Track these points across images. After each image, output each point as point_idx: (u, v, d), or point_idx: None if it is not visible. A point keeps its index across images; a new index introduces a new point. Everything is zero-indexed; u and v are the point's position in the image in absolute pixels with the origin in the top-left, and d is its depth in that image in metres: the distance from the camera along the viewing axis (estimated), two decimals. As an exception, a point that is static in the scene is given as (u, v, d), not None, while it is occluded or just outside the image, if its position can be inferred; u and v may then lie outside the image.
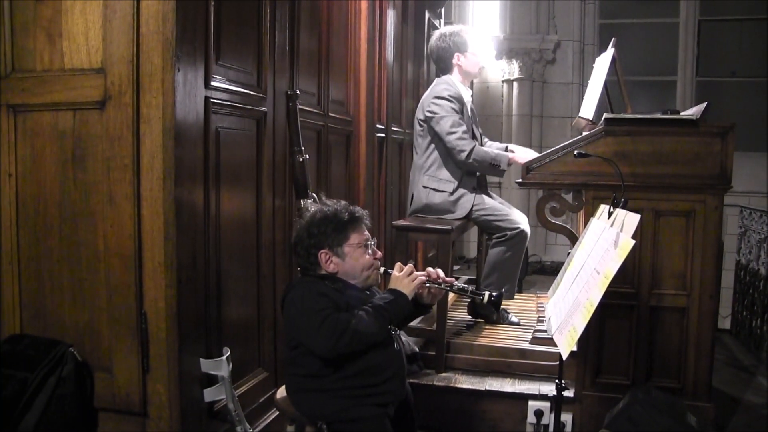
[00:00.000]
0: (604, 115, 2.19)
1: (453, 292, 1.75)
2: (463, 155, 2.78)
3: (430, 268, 1.77)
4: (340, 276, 1.73)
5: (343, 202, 1.78)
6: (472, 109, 2.87)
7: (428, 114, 2.76)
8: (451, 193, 2.88)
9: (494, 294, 1.75)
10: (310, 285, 1.68)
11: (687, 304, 2.14)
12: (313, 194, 2.21)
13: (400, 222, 2.82)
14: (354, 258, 1.73)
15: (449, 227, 2.65)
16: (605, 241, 1.58)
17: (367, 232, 1.76)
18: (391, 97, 3.30)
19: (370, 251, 1.75)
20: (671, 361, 2.16)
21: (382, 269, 1.77)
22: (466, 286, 1.75)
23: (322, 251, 1.72)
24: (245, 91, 1.95)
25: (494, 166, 2.78)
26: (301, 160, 2.20)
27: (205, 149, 1.81)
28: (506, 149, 2.87)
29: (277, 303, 2.17)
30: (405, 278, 1.71)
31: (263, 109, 2.07)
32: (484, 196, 2.94)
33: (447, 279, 1.77)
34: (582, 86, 5.11)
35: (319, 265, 1.73)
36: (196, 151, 1.75)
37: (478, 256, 3.63)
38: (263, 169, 2.15)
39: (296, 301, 1.65)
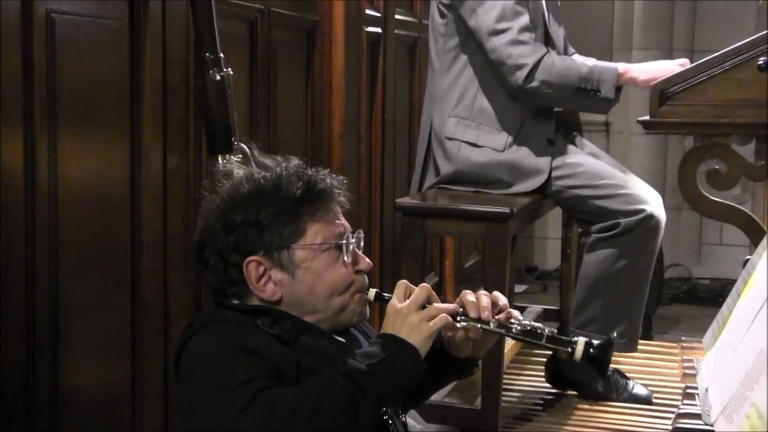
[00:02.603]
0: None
1: (513, 337, 1.76)
2: (522, 75, 2.84)
3: (468, 294, 1.77)
4: (288, 307, 1.76)
5: (295, 161, 1.82)
6: None
7: None
8: (507, 148, 2.95)
9: (596, 342, 1.74)
10: (226, 329, 1.70)
11: None
12: (242, 146, 2.27)
13: (409, 200, 2.89)
14: (315, 272, 1.76)
15: (506, 210, 2.72)
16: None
17: (342, 220, 1.80)
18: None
19: (347, 257, 1.78)
20: None
21: (372, 293, 1.80)
22: (539, 326, 1.75)
23: (251, 259, 1.75)
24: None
25: (588, 93, 2.85)
26: (217, 78, 2.25)
27: (25, 55, 1.86)
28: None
29: (169, 357, 2.22)
30: (414, 313, 1.70)
31: (142, -20, 2.21)
32: (574, 152, 2.99)
33: (503, 314, 1.76)
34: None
35: (247, 285, 1.76)
36: (6, 58, 1.81)
37: (563, 267, 3.71)
38: (143, 97, 2.21)
39: (197, 361, 1.68)
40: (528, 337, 1.73)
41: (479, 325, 1.72)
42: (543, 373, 3.12)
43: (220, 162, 2.24)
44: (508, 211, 2.71)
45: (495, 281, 2.70)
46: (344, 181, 1.81)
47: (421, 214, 2.80)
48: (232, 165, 2.17)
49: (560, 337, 1.73)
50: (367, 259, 1.79)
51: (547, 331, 1.72)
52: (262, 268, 1.73)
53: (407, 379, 1.65)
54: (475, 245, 4.81)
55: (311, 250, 1.74)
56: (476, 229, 2.78)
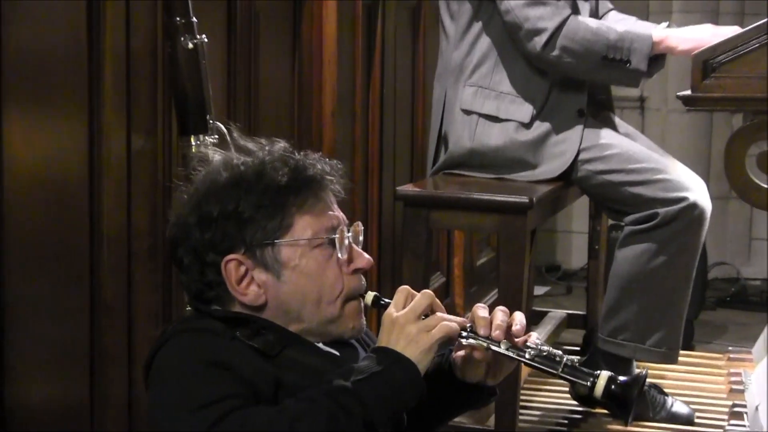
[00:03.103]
0: None
1: (526, 363, 1.76)
2: (540, 41, 2.86)
3: (480, 309, 1.77)
4: (273, 315, 1.78)
5: (280, 144, 1.84)
6: None
7: None
8: (527, 125, 2.96)
9: (622, 379, 1.72)
10: (198, 339, 1.72)
11: None
12: (218, 125, 2.27)
13: (411, 188, 2.90)
14: (303, 272, 1.77)
15: (524, 199, 2.73)
16: None
17: (336, 211, 1.81)
18: None
19: (341, 254, 1.78)
20: None
21: (369, 296, 1.80)
22: (558, 353, 1.75)
23: (230, 258, 1.76)
24: None
25: (616, 64, 2.86)
26: (189, 47, 2.24)
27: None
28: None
29: (134, 370, 2.23)
30: (412, 323, 1.71)
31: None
32: (604, 132, 3.01)
33: (521, 338, 1.75)
34: None
35: (226, 288, 1.77)
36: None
37: (590, 266, 3.72)
38: (103, 68, 2.20)
39: (164, 375, 1.71)
40: (542, 365, 1.73)
41: (486, 344, 1.73)
42: (567, 388, 3.11)
43: (193, 144, 2.24)
44: (527, 200, 2.72)
45: (511, 282, 2.72)
46: (338, 166, 1.82)
47: (425, 204, 2.80)
48: (207, 147, 2.18)
49: (580, 368, 1.72)
50: (366, 256, 1.79)
51: (566, 359, 1.72)
52: (243, 269, 1.74)
53: (401, 398, 1.66)
54: (488, 241, 4.81)
55: (299, 246, 1.75)
56: (490, 221, 2.79)
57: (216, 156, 1.84)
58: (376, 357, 1.67)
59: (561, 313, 3.91)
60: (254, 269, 1.74)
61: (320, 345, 1.78)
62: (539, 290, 5.13)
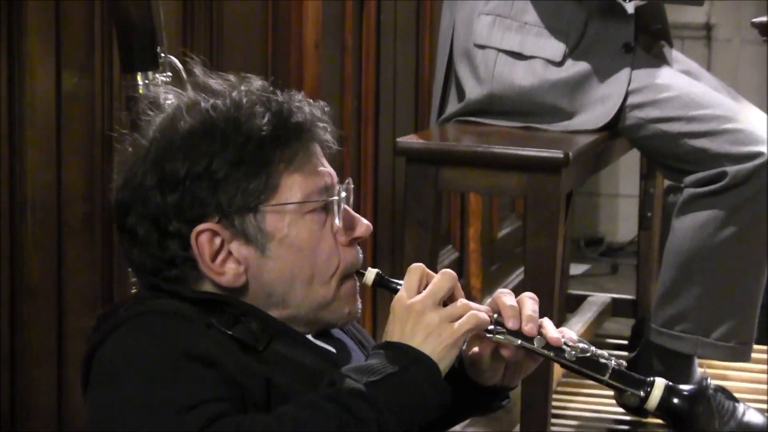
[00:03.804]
0: None
1: (565, 365, 1.77)
2: None
3: (506, 296, 1.78)
4: (253, 297, 1.78)
5: (258, 83, 1.82)
6: None
7: None
8: (559, 63, 2.93)
9: (682, 389, 1.74)
10: (164, 325, 1.70)
11: None
12: (172, 59, 2.27)
13: (416, 139, 2.89)
14: (294, 244, 1.76)
15: (558, 154, 2.72)
16: None
17: (328, 167, 1.81)
18: None
19: (338, 221, 1.79)
20: None
21: (371, 275, 1.81)
22: (602, 354, 1.76)
23: (202, 228, 1.74)
24: None
25: None
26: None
27: None
28: None
29: (65, 368, 2.19)
30: (432, 311, 1.72)
31: None
32: (660, 70, 3.01)
33: (553, 333, 1.76)
34: None
35: (196, 266, 1.76)
36: None
37: (640, 238, 3.72)
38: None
39: (120, 373, 1.67)
40: (586, 368, 1.74)
41: (519, 341, 1.73)
42: (611, 392, 3.06)
43: (140, 83, 2.23)
44: (562, 155, 2.69)
45: (541, 259, 2.69)
46: (326, 109, 1.80)
47: (433, 159, 2.77)
48: (158, 87, 2.18)
49: (631, 374, 1.74)
50: (365, 221, 1.80)
51: (613, 362, 1.74)
52: (218, 241, 1.72)
53: (423, 406, 1.66)
54: (512, 206, 4.80)
55: (288, 212, 1.74)
56: (514, 182, 2.76)
57: (169, 97, 1.82)
58: (389, 354, 1.66)
59: (604, 297, 3.88)
60: (232, 241, 1.72)
61: (310, 337, 1.78)
62: (577, 269, 5.09)
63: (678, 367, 2.77)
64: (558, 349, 1.73)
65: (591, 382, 3.16)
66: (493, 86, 2.96)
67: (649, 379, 1.73)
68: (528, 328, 1.72)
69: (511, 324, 1.72)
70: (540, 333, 1.73)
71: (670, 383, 1.71)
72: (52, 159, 2.30)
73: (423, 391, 1.65)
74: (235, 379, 1.63)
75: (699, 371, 2.96)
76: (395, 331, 1.70)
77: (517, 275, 4.48)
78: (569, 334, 1.77)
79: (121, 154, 1.77)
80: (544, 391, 2.67)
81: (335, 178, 1.78)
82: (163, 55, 2.23)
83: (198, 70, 1.84)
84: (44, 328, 2.29)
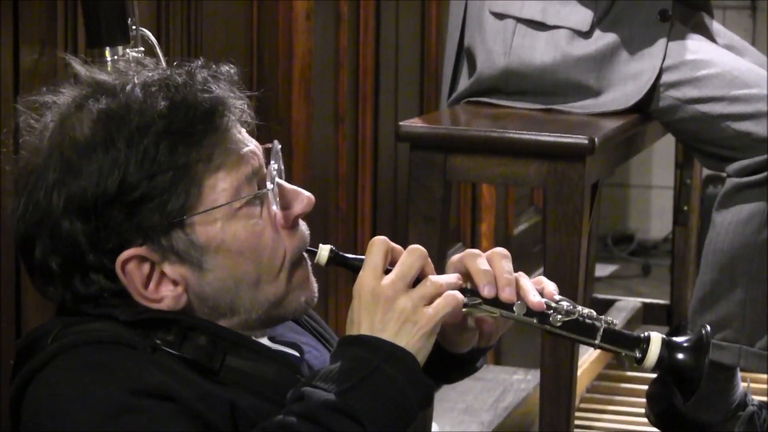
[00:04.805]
0: None
1: (551, 332, 1.77)
2: None
3: (477, 258, 1.77)
4: (200, 314, 1.76)
5: (149, 65, 1.82)
6: None
7: None
8: (586, 34, 2.89)
9: (680, 341, 1.76)
10: (107, 356, 1.67)
11: None
12: (144, 32, 2.32)
13: (420, 123, 2.90)
14: (233, 249, 1.74)
15: (583, 139, 2.68)
16: None
17: (251, 144, 1.77)
18: None
19: (275, 206, 1.77)
20: None
21: (324, 252, 1.79)
22: (590, 314, 1.77)
23: (126, 257, 1.70)
24: None
25: None
26: None
27: None
28: None
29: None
30: (404, 295, 1.70)
31: None
32: (699, 44, 2.99)
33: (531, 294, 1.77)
34: None
35: (126, 294, 1.73)
36: None
37: (675, 235, 3.76)
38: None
39: (62, 416, 1.63)
40: (574, 333, 1.76)
41: (498, 312, 1.75)
42: (643, 409, 3.06)
43: (108, 59, 2.25)
44: (587, 141, 2.65)
45: (563, 258, 2.69)
46: (233, 72, 1.78)
47: (441, 146, 2.74)
48: (129, 64, 2.17)
49: (624, 332, 1.77)
50: (305, 193, 1.78)
51: (604, 322, 1.75)
52: (147, 266, 1.71)
53: (404, 407, 1.66)
54: (530, 199, 4.87)
55: (219, 216, 1.73)
56: (533, 171, 2.73)
57: (48, 99, 1.77)
58: (360, 352, 1.66)
59: (635, 302, 3.91)
60: (163, 263, 1.71)
61: (266, 341, 1.80)
62: (603, 270, 5.16)
63: (719, 380, 2.72)
64: (541, 315, 1.75)
65: (618, 396, 3.36)
66: (510, 60, 2.92)
67: (644, 335, 1.74)
68: (506, 294, 1.73)
69: (486, 292, 1.74)
70: (519, 297, 1.74)
71: (667, 337, 1.75)
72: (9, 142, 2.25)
73: (403, 390, 1.65)
74: (196, 410, 1.62)
75: (742, 386, 2.90)
76: (362, 322, 1.69)
77: (535, 276, 4.43)
78: (549, 287, 1.78)
79: (20, 161, 1.74)
80: (566, 409, 2.63)
81: (260, 153, 1.76)
82: (134, 27, 2.26)
83: (76, 63, 1.82)
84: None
